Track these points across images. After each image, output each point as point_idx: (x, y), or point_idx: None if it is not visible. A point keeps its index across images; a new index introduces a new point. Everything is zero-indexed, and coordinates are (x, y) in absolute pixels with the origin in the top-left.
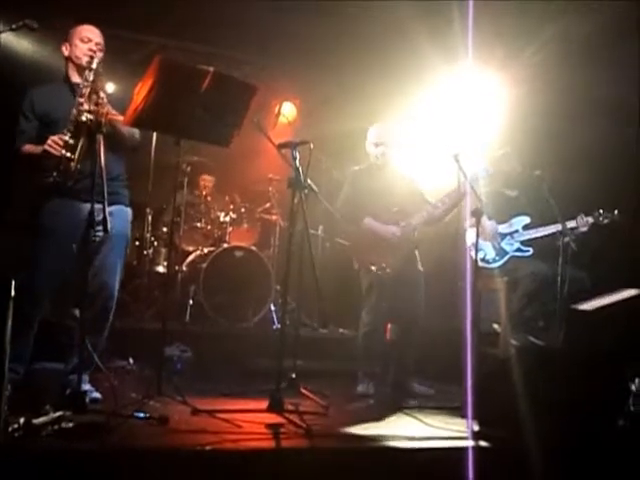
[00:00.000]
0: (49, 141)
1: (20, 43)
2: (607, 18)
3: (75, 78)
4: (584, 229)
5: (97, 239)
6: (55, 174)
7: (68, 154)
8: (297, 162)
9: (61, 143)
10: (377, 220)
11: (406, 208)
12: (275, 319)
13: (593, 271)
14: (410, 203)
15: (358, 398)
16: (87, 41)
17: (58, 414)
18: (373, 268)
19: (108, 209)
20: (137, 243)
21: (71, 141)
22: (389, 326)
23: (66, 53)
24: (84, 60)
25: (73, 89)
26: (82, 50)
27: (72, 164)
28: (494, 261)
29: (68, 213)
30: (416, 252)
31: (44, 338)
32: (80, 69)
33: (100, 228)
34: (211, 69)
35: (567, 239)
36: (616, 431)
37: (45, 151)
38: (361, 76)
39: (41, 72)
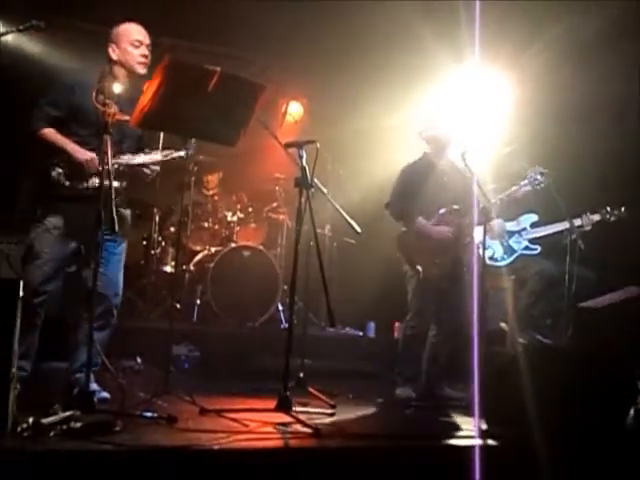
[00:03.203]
0: (90, 161)
1: (27, 44)
2: (612, 17)
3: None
4: (588, 228)
5: (106, 239)
6: (88, 185)
7: (91, 182)
8: (304, 161)
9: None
10: (432, 218)
11: (463, 205)
12: (282, 318)
13: (600, 269)
14: (465, 200)
15: (398, 402)
16: (138, 45)
17: (67, 414)
18: (419, 268)
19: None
20: (144, 243)
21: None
22: (396, 324)
23: (114, 57)
24: (140, 69)
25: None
26: (135, 57)
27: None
28: (502, 259)
29: (78, 212)
30: (464, 255)
31: (51, 337)
32: (132, 75)
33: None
34: (218, 69)
35: (575, 237)
36: (624, 430)
37: (80, 163)
38: (368, 75)
39: (48, 72)
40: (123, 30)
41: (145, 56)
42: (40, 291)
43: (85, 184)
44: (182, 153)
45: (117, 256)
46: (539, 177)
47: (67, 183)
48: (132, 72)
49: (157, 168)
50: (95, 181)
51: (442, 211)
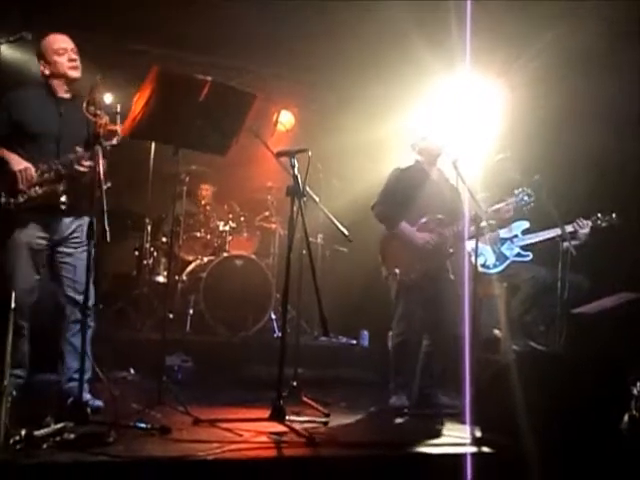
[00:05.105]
0: (22, 172)
1: (15, 55)
2: (607, 23)
3: (62, 93)
4: (586, 230)
5: (70, 245)
6: (29, 196)
7: (33, 191)
8: (296, 170)
9: (33, 182)
10: (415, 224)
11: (449, 216)
12: (275, 327)
13: (592, 275)
14: (452, 211)
15: (392, 411)
16: (63, 53)
17: (60, 425)
18: (397, 271)
19: (80, 221)
20: (137, 253)
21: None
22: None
23: (47, 72)
24: (72, 74)
25: (59, 105)
26: (64, 64)
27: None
28: (494, 266)
29: (35, 223)
30: (448, 262)
31: (43, 349)
32: (69, 82)
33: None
34: (209, 78)
35: (567, 244)
36: (618, 436)
37: (14, 173)
38: (359, 84)
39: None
40: (46, 44)
41: (73, 60)
42: (21, 305)
43: (24, 196)
44: (114, 142)
45: (83, 261)
46: (526, 198)
47: (8, 200)
48: (67, 78)
49: (90, 163)
50: (37, 190)
51: (425, 219)
